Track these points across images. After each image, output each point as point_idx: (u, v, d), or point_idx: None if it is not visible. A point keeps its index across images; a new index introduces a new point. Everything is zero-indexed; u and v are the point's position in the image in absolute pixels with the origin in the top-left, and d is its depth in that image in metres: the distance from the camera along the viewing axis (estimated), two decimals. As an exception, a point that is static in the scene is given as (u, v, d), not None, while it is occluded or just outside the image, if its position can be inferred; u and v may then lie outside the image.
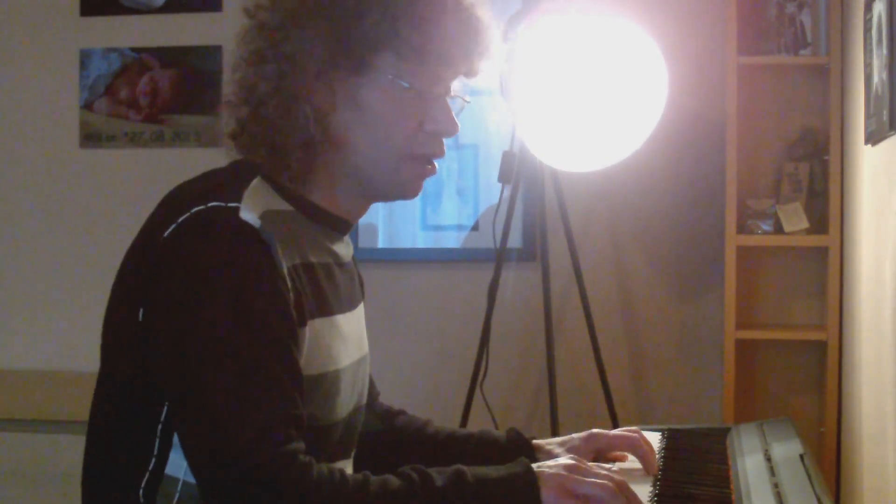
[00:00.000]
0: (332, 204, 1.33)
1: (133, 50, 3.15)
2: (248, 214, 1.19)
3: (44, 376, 3.17)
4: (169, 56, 3.13)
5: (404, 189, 1.35)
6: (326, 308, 1.29)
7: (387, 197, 1.38)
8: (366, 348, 1.45)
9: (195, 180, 1.29)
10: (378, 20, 1.24)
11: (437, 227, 3.04)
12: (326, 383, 1.28)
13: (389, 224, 3.08)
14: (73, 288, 3.18)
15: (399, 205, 3.05)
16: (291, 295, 1.20)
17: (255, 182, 1.26)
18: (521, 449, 1.47)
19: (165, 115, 3.14)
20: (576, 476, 1.19)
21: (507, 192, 2.64)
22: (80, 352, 3.13)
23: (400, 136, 1.29)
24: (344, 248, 1.39)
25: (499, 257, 2.63)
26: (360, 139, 1.29)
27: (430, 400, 2.98)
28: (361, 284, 1.50)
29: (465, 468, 1.19)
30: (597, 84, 2.37)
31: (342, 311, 1.34)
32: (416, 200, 3.02)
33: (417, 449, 1.51)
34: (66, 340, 3.18)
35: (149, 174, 3.13)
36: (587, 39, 2.39)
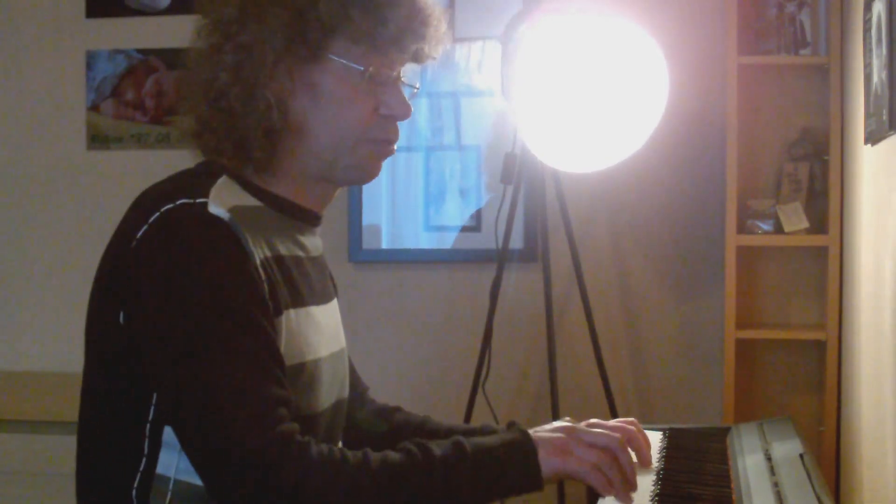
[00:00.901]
0: (299, 195, 1.36)
1: (139, 51, 3.17)
2: (217, 209, 1.21)
3: (51, 378, 3.18)
4: (175, 58, 3.14)
5: (364, 171, 1.37)
6: (300, 299, 1.31)
7: (347, 181, 1.40)
8: (343, 342, 1.46)
9: (162, 182, 1.31)
10: (331, 6, 1.27)
11: (440, 228, 3.05)
12: (306, 373, 1.29)
13: (393, 225, 3.09)
14: (79, 289, 3.18)
15: (402, 206, 3.06)
16: (265, 286, 1.22)
17: (222, 180, 1.28)
18: None
19: (171, 116, 3.15)
20: (572, 438, 1.23)
21: (508, 193, 2.66)
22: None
23: (355, 119, 1.32)
24: (314, 242, 1.41)
25: (501, 258, 2.64)
26: (318, 124, 1.31)
27: (432, 399, 2.99)
28: (333, 282, 1.52)
29: (463, 439, 1.22)
30: (597, 84, 2.37)
31: (316, 302, 1.36)
32: (419, 201, 3.04)
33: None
34: (73, 342, 3.18)
35: (155, 176, 3.11)
36: (588, 40, 2.40)
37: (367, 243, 3.08)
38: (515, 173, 2.59)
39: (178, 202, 1.21)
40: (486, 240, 2.95)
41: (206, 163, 1.34)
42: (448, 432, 1.53)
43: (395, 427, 1.56)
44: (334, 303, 1.46)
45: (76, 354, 3.45)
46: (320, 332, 1.35)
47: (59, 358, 3.21)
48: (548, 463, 1.20)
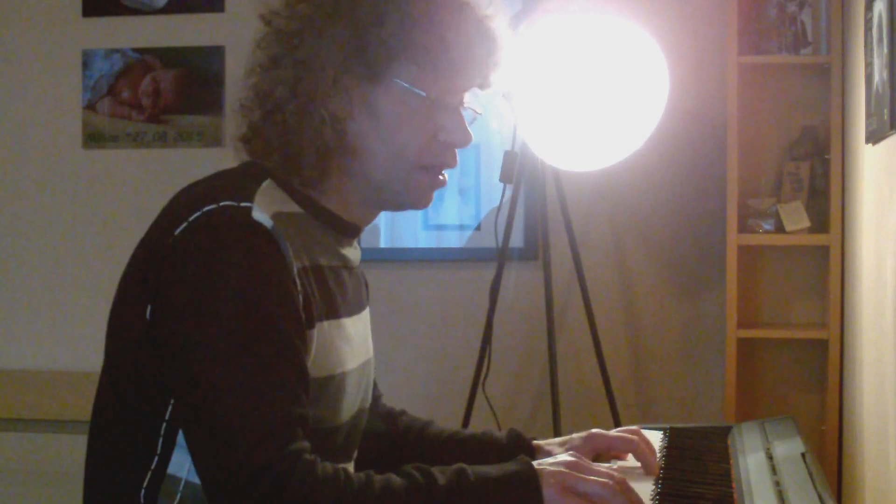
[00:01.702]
0: (343, 209, 1.33)
1: (135, 50, 3.16)
2: (260, 214, 1.19)
3: (47, 376, 3.18)
4: (171, 56, 3.14)
5: (415, 199, 1.35)
6: (334, 311, 1.29)
7: (397, 206, 1.38)
8: (371, 352, 1.45)
9: (206, 180, 1.29)
10: (396, 28, 1.25)
11: (439, 227, 3.05)
12: (333, 386, 1.28)
13: (392, 224, 3.08)
14: (77, 288, 3.19)
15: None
16: (301, 296, 1.20)
17: (266, 184, 1.26)
18: (522, 449, 1.48)
19: (168, 115, 3.15)
20: (576, 473, 1.20)
21: (508, 192, 2.65)
22: (84, 352, 3.13)
23: (414, 145, 1.30)
24: (353, 253, 1.40)
25: (501, 257, 2.64)
26: (374, 146, 1.29)
27: (432, 399, 2.98)
28: (367, 288, 1.50)
29: (466, 467, 1.20)
30: (598, 83, 2.37)
31: (349, 314, 1.35)
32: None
33: (420, 449, 1.52)
34: (70, 341, 3.19)
35: (152, 174, 3.14)
36: (588, 39, 2.40)
37: (366, 242, 3.07)
38: (515, 172, 2.58)
39: (221, 203, 1.19)
40: (485, 238, 2.95)
41: (251, 164, 1.31)
42: (450, 438, 1.53)
43: (396, 430, 1.55)
44: (366, 312, 1.45)
45: (72, 353, 3.46)
46: (350, 343, 1.34)
47: (56, 356, 3.21)
48: (550, 497, 1.19)
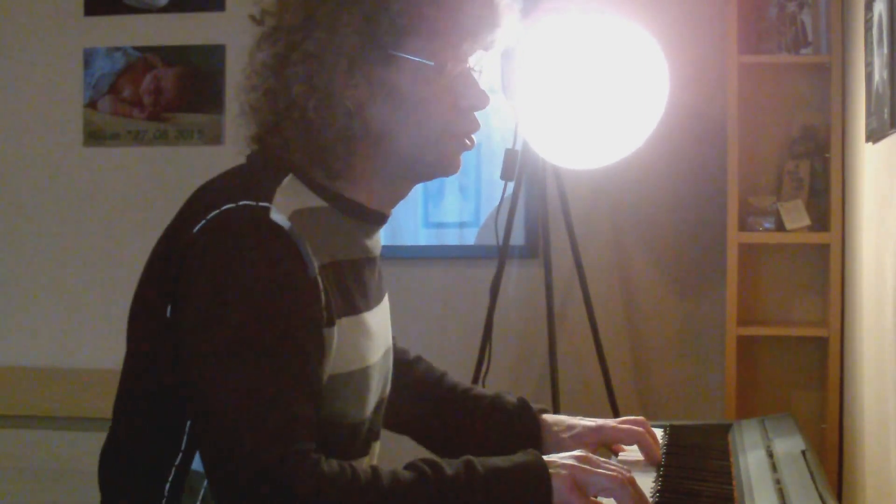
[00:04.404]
0: (368, 197, 1.33)
1: (136, 49, 3.16)
2: (278, 215, 1.18)
3: (47, 373, 3.18)
4: (172, 55, 3.14)
5: (446, 166, 1.35)
6: (353, 307, 1.29)
7: (429, 176, 1.39)
8: (390, 339, 1.45)
9: (225, 176, 1.28)
10: (403, 5, 1.24)
11: (440, 225, 3.05)
12: (355, 380, 1.28)
13: (391, 221, 3.06)
14: (77, 285, 3.19)
15: (400, 202, 3.05)
16: (323, 295, 1.20)
17: (287, 180, 1.25)
18: (526, 419, 1.51)
19: (169, 113, 3.15)
20: (586, 467, 1.21)
21: (509, 190, 2.65)
22: (83, 349, 3.14)
23: (437, 116, 1.30)
24: (375, 243, 1.40)
25: (501, 254, 2.64)
26: (399, 127, 1.29)
27: (432, 397, 2.98)
28: (381, 276, 1.50)
29: (474, 459, 1.20)
30: (598, 82, 2.37)
31: (369, 307, 1.34)
32: (418, 197, 3.04)
33: (435, 398, 1.55)
34: (70, 338, 3.19)
35: (152, 172, 3.14)
36: (589, 38, 2.40)
37: (367, 240, 3.07)
38: (516, 170, 2.59)
39: (240, 203, 1.18)
40: (486, 236, 2.95)
41: (271, 158, 1.30)
42: (463, 393, 1.56)
43: (413, 374, 1.59)
44: (385, 300, 1.45)
45: (71, 350, 3.46)
46: (371, 338, 1.33)
47: (55, 353, 3.21)
48: (558, 489, 1.19)
